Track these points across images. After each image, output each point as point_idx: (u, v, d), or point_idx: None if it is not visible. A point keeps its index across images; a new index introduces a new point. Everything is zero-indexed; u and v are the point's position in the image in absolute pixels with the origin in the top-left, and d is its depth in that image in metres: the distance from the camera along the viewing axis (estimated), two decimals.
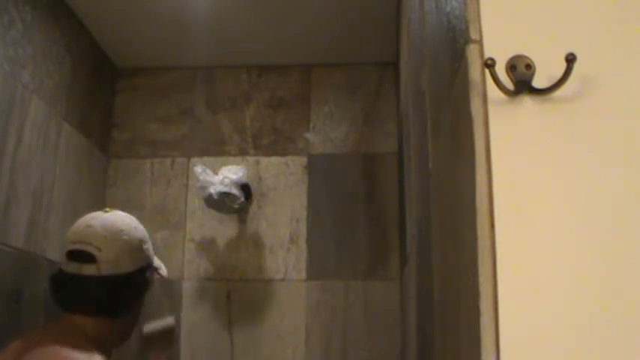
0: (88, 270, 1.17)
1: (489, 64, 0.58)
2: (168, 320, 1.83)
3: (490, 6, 0.64)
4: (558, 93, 0.60)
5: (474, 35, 0.64)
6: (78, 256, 1.17)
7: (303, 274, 2.00)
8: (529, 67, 0.60)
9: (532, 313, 0.55)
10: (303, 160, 2.10)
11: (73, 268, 1.18)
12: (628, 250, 0.55)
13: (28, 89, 1.62)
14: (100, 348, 1.16)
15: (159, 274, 1.36)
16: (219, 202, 1.93)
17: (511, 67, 0.61)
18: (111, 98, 2.18)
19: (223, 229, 2.06)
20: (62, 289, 1.20)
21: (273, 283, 2.01)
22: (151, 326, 1.74)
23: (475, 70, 0.63)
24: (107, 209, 1.30)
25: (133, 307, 1.27)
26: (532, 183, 0.58)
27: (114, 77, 2.19)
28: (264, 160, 2.11)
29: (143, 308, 1.33)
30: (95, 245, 1.18)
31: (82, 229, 1.21)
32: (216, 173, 1.96)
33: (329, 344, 1.95)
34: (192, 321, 2.00)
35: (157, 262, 1.36)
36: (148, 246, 1.30)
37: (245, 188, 2.00)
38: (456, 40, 0.71)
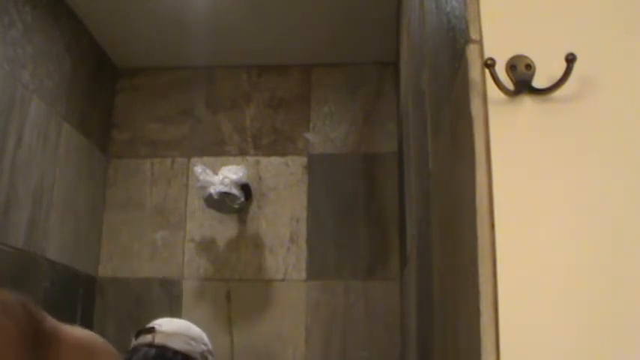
0: (144, 339, 1.25)
1: (489, 64, 0.58)
2: None
3: (490, 6, 0.64)
4: (558, 93, 0.60)
5: (474, 35, 0.64)
6: (142, 330, 1.27)
7: (303, 274, 2.00)
8: (529, 67, 0.60)
9: (532, 313, 0.55)
10: (303, 160, 2.10)
11: (134, 342, 1.26)
12: (628, 249, 0.55)
13: (28, 89, 1.62)
14: None
15: None
16: (219, 202, 1.93)
17: (511, 67, 0.61)
18: (111, 98, 2.18)
19: (223, 229, 2.06)
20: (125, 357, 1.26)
21: (273, 283, 2.01)
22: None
23: (475, 70, 0.63)
24: None
25: None
26: (532, 183, 0.58)
27: (114, 77, 2.19)
28: (264, 160, 2.11)
29: None
30: (158, 324, 1.28)
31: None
32: (216, 173, 1.96)
33: (329, 344, 1.95)
34: (192, 321, 1.99)
35: None
36: (208, 355, 1.34)
37: (245, 188, 2.00)
38: (456, 40, 0.71)
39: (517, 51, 0.61)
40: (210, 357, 1.36)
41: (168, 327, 1.30)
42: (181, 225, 2.07)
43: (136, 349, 1.28)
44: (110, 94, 2.17)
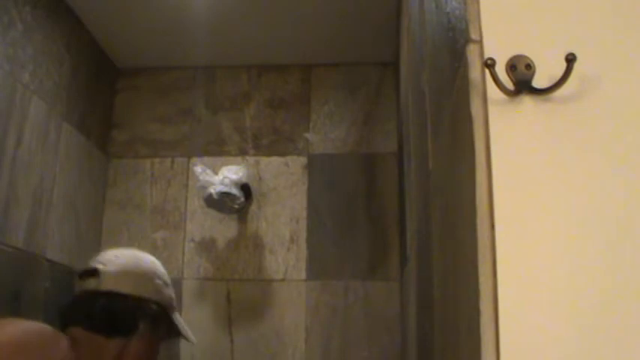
0: (89, 284, 1.15)
1: (489, 64, 0.58)
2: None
3: (490, 6, 0.64)
4: (558, 93, 0.60)
5: (474, 35, 0.64)
6: (85, 272, 1.16)
7: (303, 274, 2.00)
8: (529, 67, 0.60)
9: (532, 313, 0.55)
10: (303, 160, 2.10)
11: (78, 285, 1.17)
12: (629, 249, 0.55)
13: (28, 89, 1.62)
14: None
15: (183, 336, 1.32)
16: (219, 202, 1.93)
17: (511, 67, 0.61)
18: (111, 98, 2.18)
19: (223, 229, 2.06)
20: (67, 304, 1.19)
21: (273, 283, 2.01)
22: None
23: (475, 70, 0.63)
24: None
25: (131, 333, 1.19)
26: (532, 183, 0.58)
27: (114, 77, 2.20)
28: (264, 160, 2.11)
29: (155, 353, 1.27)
30: (102, 262, 1.17)
31: (100, 254, 1.21)
32: (216, 173, 1.96)
33: (329, 344, 1.95)
34: (192, 321, 1.99)
35: (179, 321, 1.31)
36: (164, 288, 1.24)
37: (245, 188, 2.00)
38: (456, 40, 0.71)
39: (517, 51, 0.61)
40: (165, 290, 1.24)
41: (115, 266, 1.15)
42: (181, 225, 2.07)
43: (79, 299, 1.14)
44: (110, 94, 2.17)
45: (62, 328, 1.16)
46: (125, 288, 1.17)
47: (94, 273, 1.15)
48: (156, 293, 1.23)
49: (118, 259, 1.18)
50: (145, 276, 1.21)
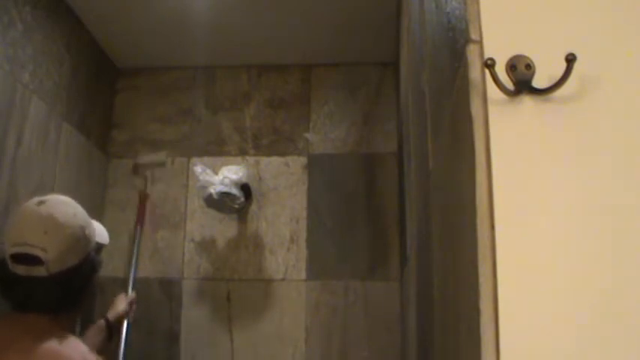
0: (37, 271, 1.16)
1: (489, 64, 0.58)
2: (161, 155, 2.02)
3: (490, 6, 0.64)
4: (558, 93, 0.60)
5: (474, 35, 0.64)
6: (24, 259, 1.17)
7: (303, 274, 2.00)
8: (529, 67, 0.60)
9: (532, 313, 0.55)
10: (303, 160, 2.10)
11: (21, 270, 1.17)
12: (629, 249, 0.55)
13: (28, 89, 1.62)
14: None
15: (100, 248, 1.36)
16: (219, 202, 1.93)
17: (511, 67, 0.61)
18: (111, 98, 2.18)
19: (223, 229, 2.06)
20: (13, 290, 1.20)
21: (273, 283, 2.01)
22: (144, 158, 1.85)
23: (475, 70, 0.63)
24: (42, 199, 1.25)
25: (85, 294, 1.27)
26: (532, 183, 0.58)
27: (114, 77, 2.20)
28: (264, 160, 2.11)
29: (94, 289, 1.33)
30: (39, 247, 1.16)
31: (21, 230, 1.19)
32: (216, 173, 1.96)
33: (329, 344, 1.95)
34: (192, 321, 2.00)
35: (98, 233, 1.34)
36: (90, 230, 1.27)
37: (245, 188, 2.00)
38: (456, 40, 0.71)
39: (517, 51, 0.61)
40: (91, 230, 1.28)
41: (54, 247, 1.16)
42: (181, 225, 2.07)
43: (32, 286, 1.16)
44: (110, 94, 2.17)
45: (16, 313, 1.18)
46: (70, 262, 1.20)
47: (38, 261, 1.16)
48: (90, 243, 1.27)
49: (48, 235, 1.18)
50: (79, 239, 1.23)
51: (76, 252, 1.21)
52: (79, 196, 1.91)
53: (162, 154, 2.04)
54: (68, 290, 1.21)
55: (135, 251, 1.90)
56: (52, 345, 1.13)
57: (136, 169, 2.05)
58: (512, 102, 0.60)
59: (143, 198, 1.98)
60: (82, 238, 1.23)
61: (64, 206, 1.25)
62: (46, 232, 1.18)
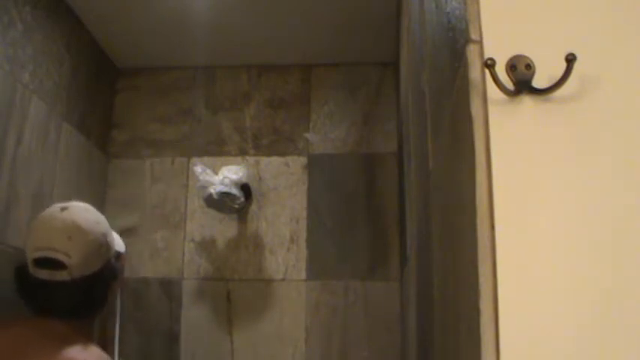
0: (60, 276, 1.18)
1: (489, 64, 0.58)
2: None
3: (490, 6, 0.64)
4: (558, 93, 0.60)
5: (474, 35, 0.64)
6: (47, 263, 1.18)
7: (303, 274, 2.00)
8: (529, 67, 0.60)
9: (532, 313, 0.55)
10: (303, 160, 2.10)
11: (44, 274, 1.18)
12: (629, 249, 0.55)
13: (28, 89, 1.62)
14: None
15: (122, 258, 1.38)
16: (219, 202, 1.93)
17: (511, 67, 0.61)
18: (111, 98, 2.18)
19: (223, 229, 2.06)
20: (35, 294, 1.20)
21: (273, 283, 2.01)
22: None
23: (475, 70, 0.63)
24: (65, 205, 1.27)
25: (104, 301, 1.29)
26: (532, 183, 0.58)
27: (114, 77, 2.19)
28: (264, 160, 2.11)
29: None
30: (63, 252, 1.18)
31: (44, 235, 1.21)
32: (216, 173, 1.96)
33: (329, 344, 1.95)
34: (192, 321, 2.00)
35: (117, 242, 1.36)
36: (111, 237, 1.31)
37: (245, 188, 2.00)
38: (456, 40, 0.71)
39: (517, 51, 0.61)
40: (111, 238, 1.30)
41: (77, 252, 1.18)
42: (181, 225, 2.07)
43: (55, 291, 1.18)
44: (110, 94, 2.17)
45: (36, 318, 1.19)
46: (93, 267, 1.22)
47: (62, 266, 1.18)
48: (110, 250, 1.30)
49: (72, 241, 1.20)
50: (101, 245, 1.26)
51: (98, 258, 1.24)
52: (79, 196, 1.91)
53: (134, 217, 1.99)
54: (89, 296, 1.23)
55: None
56: (73, 351, 1.14)
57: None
58: (512, 102, 0.61)
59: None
60: (103, 244, 1.26)
61: (87, 213, 1.28)
62: (70, 238, 1.20)
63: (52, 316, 1.18)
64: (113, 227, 1.39)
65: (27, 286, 1.21)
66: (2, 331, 1.16)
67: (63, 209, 1.25)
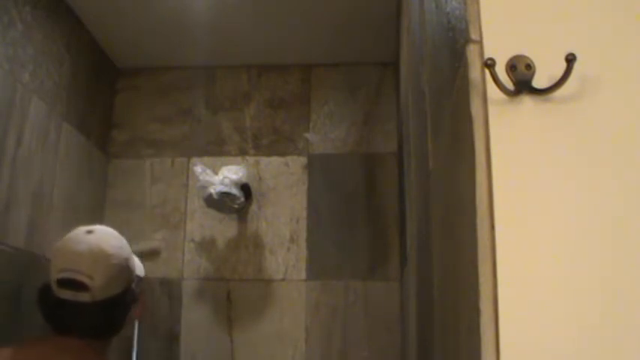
0: (83, 297, 1.20)
1: (489, 64, 0.58)
2: (155, 243, 1.95)
3: (490, 6, 0.64)
4: (558, 93, 0.60)
5: (474, 35, 0.64)
6: (70, 284, 1.20)
7: (303, 274, 2.00)
8: (529, 67, 0.60)
9: (532, 313, 0.55)
10: (303, 160, 2.10)
11: (67, 295, 1.20)
12: (629, 249, 0.55)
13: (28, 89, 1.62)
14: None
15: (142, 282, 1.40)
16: (219, 202, 1.93)
17: (511, 67, 0.61)
18: (111, 98, 2.18)
19: (223, 229, 2.06)
20: (56, 314, 1.22)
21: (273, 283, 2.01)
22: (137, 246, 1.78)
23: (475, 70, 0.63)
24: (90, 229, 1.30)
25: (123, 323, 1.30)
26: (532, 183, 0.58)
27: (114, 77, 2.20)
28: (264, 160, 2.11)
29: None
30: (86, 274, 1.20)
31: (69, 256, 1.23)
32: (216, 173, 1.96)
33: (329, 344, 1.95)
34: (192, 321, 2.00)
35: (137, 266, 1.38)
36: (133, 261, 1.34)
37: (245, 188, 2.00)
38: (456, 40, 0.71)
39: (517, 51, 0.61)
40: (134, 262, 1.33)
41: (100, 275, 1.20)
42: (181, 225, 2.07)
43: (76, 311, 1.20)
44: (110, 94, 2.17)
45: (55, 336, 1.21)
46: (115, 290, 1.25)
47: (85, 288, 1.20)
48: (132, 274, 1.32)
49: (96, 264, 1.22)
50: (123, 270, 1.28)
51: (120, 282, 1.26)
52: (79, 196, 1.92)
53: (156, 242, 1.99)
54: (109, 318, 1.25)
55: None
56: None
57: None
58: (512, 102, 0.60)
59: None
60: (125, 269, 1.28)
61: (112, 238, 1.31)
62: (95, 261, 1.22)
63: (71, 335, 1.21)
64: (134, 251, 1.40)
65: (50, 306, 1.24)
66: (27, 349, 1.19)
67: (88, 232, 1.28)
